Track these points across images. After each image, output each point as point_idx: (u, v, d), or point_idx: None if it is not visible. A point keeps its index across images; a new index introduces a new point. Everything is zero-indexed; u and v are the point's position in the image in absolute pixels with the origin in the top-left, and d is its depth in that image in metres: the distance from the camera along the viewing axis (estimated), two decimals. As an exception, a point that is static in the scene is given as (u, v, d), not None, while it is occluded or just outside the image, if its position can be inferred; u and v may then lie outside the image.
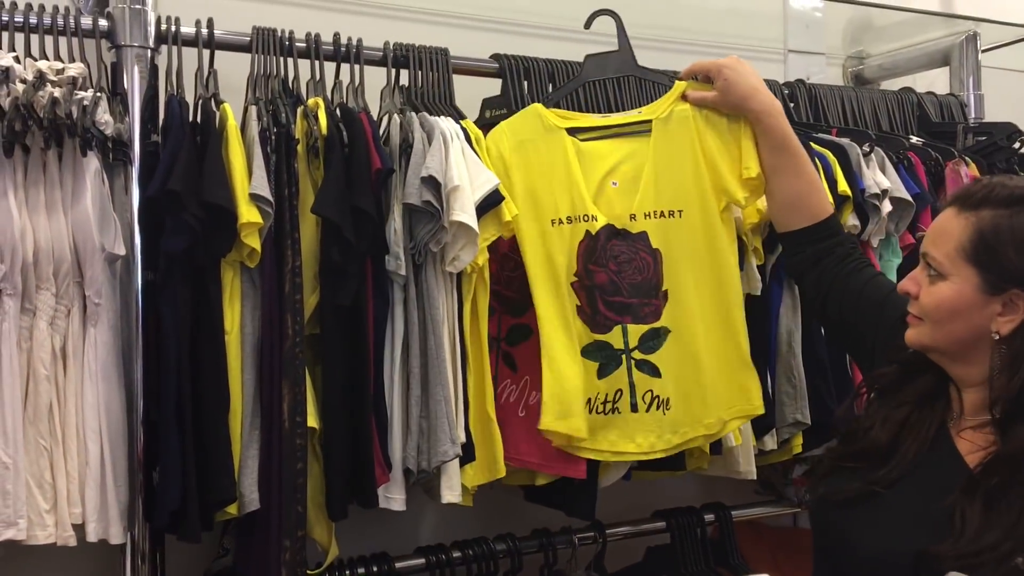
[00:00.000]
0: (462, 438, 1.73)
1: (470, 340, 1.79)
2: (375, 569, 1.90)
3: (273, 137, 1.65)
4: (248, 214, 1.58)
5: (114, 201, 1.61)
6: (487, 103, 2.01)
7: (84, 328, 1.56)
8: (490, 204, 1.73)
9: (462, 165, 1.70)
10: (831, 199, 1.87)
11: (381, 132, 1.77)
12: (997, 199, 1.31)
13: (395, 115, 1.78)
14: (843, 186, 2.07)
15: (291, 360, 1.62)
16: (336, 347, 1.68)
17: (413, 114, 1.77)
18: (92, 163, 1.57)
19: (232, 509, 1.62)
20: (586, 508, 1.95)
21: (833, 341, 1.98)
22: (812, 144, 2.16)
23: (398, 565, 1.93)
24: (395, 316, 1.72)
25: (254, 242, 1.60)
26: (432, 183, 1.67)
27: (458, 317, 1.77)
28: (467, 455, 1.76)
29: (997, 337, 1.30)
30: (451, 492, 1.76)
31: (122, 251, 1.59)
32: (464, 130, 1.77)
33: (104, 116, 1.58)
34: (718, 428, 1.84)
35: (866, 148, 2.19)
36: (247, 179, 1.59)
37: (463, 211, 1.67)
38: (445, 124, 1.74)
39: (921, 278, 1.36)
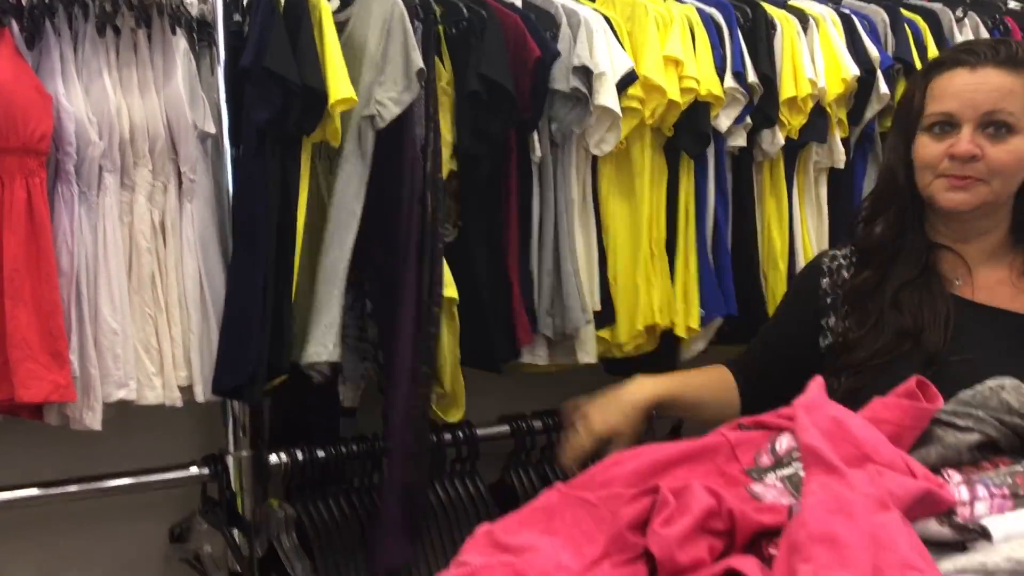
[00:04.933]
0: (595, 307, 1.86)
1: (610, 214, 1.88)
2: (461, 435, 1.98)
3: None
4: (341, 92, 1.60)
5: (200, 82, 1.66)
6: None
7: (180, 203, 1.63)
8: (624, 85, 1.78)
9: (605, 51, 1.75)
10: None
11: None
12: None
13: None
14: (933, 53, 2.00)
15: (431, 236, 1.69)
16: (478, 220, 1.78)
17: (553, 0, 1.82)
18: (180, 43, 1.62)
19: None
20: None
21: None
22: (902, 10, 2.09)
23: (480, 432, 2.01)
24: (532, 194, 1.81)
25: (338, 122, 1.63)
26: (583, 72, 1.73)
27: (593, 194, 1.86)
28: (607, 318, 1.89)
29: None
30: (586, 355, 1.87)
31: (212, 129, 1.64)
32: (605, 17, 1.81)
33: (189, -3, 1.62)
34: None
35: (959, 13, 2.10)
36: (338, 58, 1.61)
37: (607, 96, 1.73)
38: (584, 11, 1.78)
39: (979, 140, 1.37)
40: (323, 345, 1.67)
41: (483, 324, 1.79)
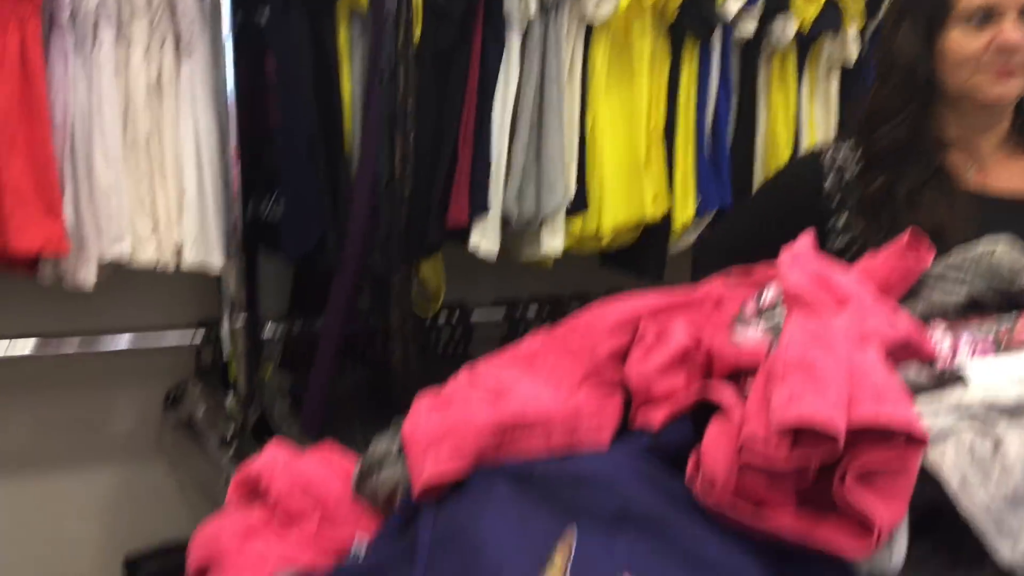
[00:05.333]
0: (572, 189, 1.78)
1: (603, 96, 1.80)
2: (457, 316, 1.99)
3: None
4: None
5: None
6: None
7: (178, 61, 1.60)
8: None
9: None
10: None
11: None
12: None
13: None
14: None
15: (403, 111, 1.64)
16: (429, 90, 1.69)
17: None
18: None
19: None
20: (655, 268, 1.98)
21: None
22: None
23: (475, 319, 2.02)
24: (510, 62, 1.72)
25: None
26: None
27: (582, 68, 1.78)
28: (579, 204, 1.81)
29: None
30: (553, 243, 1.81)
31: (211, -14, 1.61)
32: None
33: None
34: None
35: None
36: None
37: None
38: None
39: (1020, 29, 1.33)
40: None
41: (420, 203, 1.71)
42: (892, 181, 1.40)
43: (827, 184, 1.46)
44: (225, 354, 1.80)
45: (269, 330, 1.84)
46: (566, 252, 1.89)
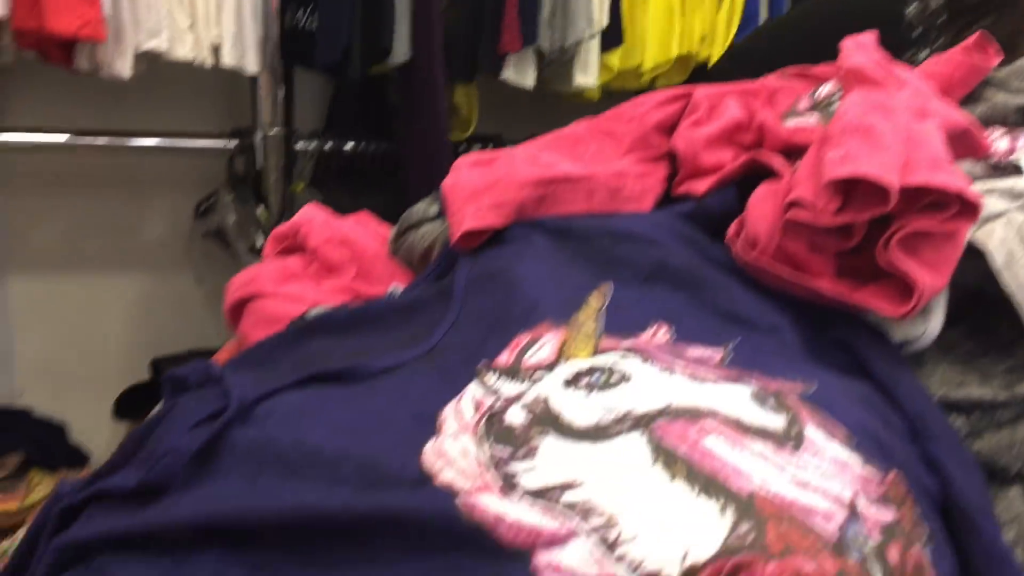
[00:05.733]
0: (603, 21, 1.71)
1: None
2: (491, 147, 1.97)
3: None
4: None
5: None
6: None
7: None
8: None
9: None
10: None
11: None
12: None
13: None
14: None
15: None
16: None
17: None
18: None
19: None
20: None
21: None
22: None
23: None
24: None
25: None
26: None
27: None
28: (613, 39, 1.75)
29: None
30: (585, 76, 1.76)
31: None
32: None
33: None
34: None
35: None
36: None
37: None
38: None
39: None
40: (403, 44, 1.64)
41: (471, 25, 1.68)
42: (989, 27, 1.33)
43: (910, 10, 1.38)
44: (258, 164, 1.79)
45: (303, 147, 1.82)
46: (609, 90, 1.85)
